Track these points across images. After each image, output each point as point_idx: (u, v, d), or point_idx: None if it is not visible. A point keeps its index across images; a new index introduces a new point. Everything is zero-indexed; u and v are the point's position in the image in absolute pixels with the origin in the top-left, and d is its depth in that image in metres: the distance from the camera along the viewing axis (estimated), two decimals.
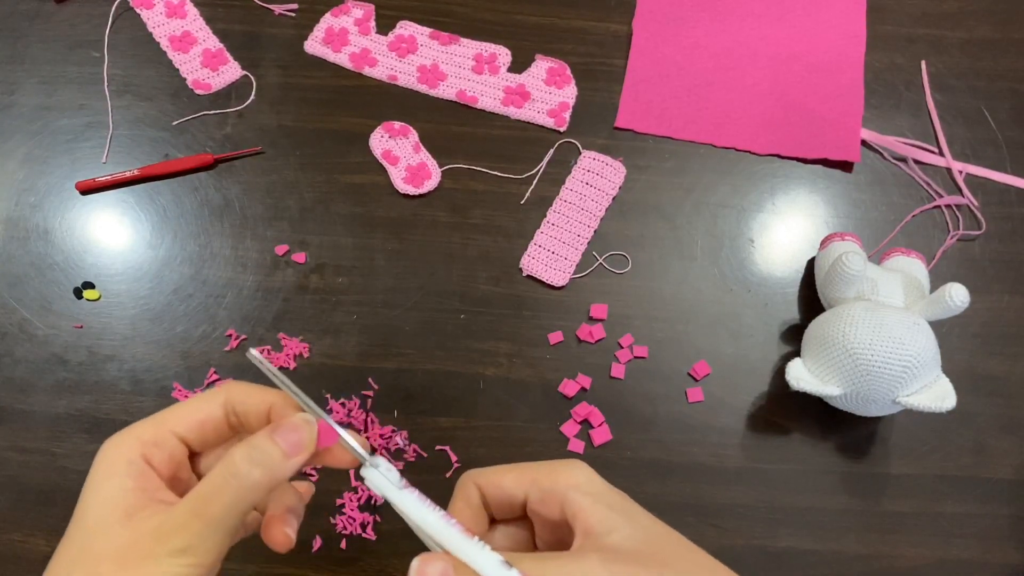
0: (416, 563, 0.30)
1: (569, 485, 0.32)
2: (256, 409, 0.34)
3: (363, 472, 0.33)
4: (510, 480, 0.34)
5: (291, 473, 0.32)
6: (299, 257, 0.69)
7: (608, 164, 0.72)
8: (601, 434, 0.64)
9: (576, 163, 0.72)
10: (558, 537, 0.34)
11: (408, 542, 0.61)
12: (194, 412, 0.34)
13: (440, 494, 0.66)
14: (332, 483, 0.62)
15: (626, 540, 0.31)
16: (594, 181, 0.71)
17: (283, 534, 0.34)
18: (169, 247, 0.69)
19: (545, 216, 0.70)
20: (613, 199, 0.71)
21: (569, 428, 0.64)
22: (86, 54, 0.75)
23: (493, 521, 0.35)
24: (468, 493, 0.34)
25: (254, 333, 0.66)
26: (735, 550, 0.62)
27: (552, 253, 0.69)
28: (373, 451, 0.35)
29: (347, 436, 0.33)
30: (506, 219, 0.71)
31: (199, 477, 0.35)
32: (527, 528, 0.35)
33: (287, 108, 0.73)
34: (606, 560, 0.30)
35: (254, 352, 0.33)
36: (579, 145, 0.73)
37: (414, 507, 0.33)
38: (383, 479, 0.33)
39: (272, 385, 0.34)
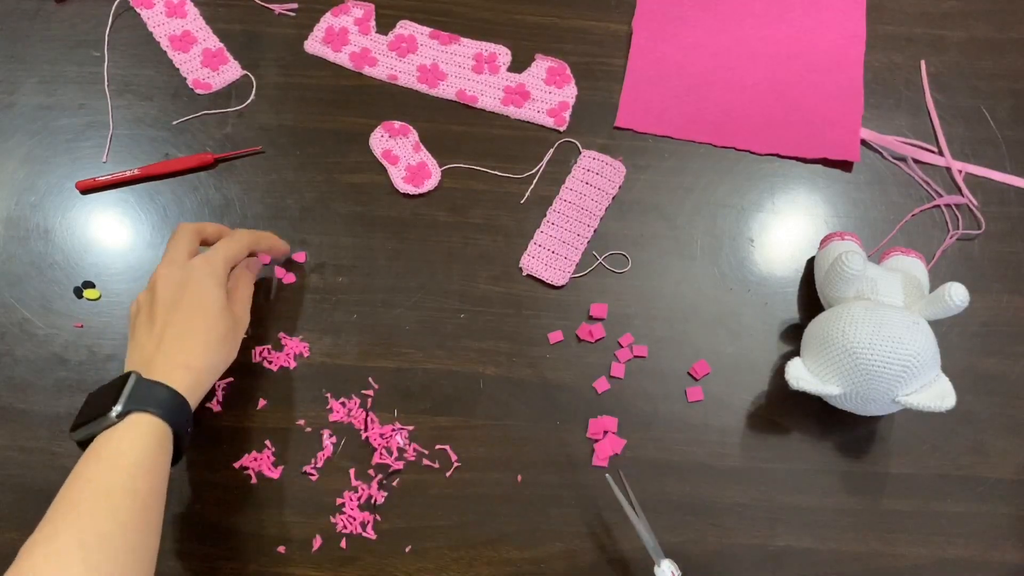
0: None
1: None
2: (216, 232, 0.62)
3: (655, 567, 0.56)
4: None
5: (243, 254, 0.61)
6: (299, 257, 0.69)
7: (608, 164, 0.72)
8: (610, 445, 0.64)
9: (576, 163, 0.72)
10: None
11: (409, 542, 0.61)
12: (236, 250, 0.60)
13: (441, 493, 0.65)
14: (332, 483, 0.62)
15: None
16: (594, 181, 0.71)
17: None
18: None
19: (545, 216, 0.70)
20: (613, 199, 0.71)
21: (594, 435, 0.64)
22: (86, 54, 0.75)
23: None
24: None
25: (255, 333, 0.66)
26: (735, 550, 0.62)
27: (552, 253, 0.69)
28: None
29: (646, 534, 0.57)
30: (506, 219, 0.71)
31: None
32: None
33: (287, 108, 0.73)
34: None
35: (610, 478, 0.59)
36: (579, 145, 0.73)
37: None
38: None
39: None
